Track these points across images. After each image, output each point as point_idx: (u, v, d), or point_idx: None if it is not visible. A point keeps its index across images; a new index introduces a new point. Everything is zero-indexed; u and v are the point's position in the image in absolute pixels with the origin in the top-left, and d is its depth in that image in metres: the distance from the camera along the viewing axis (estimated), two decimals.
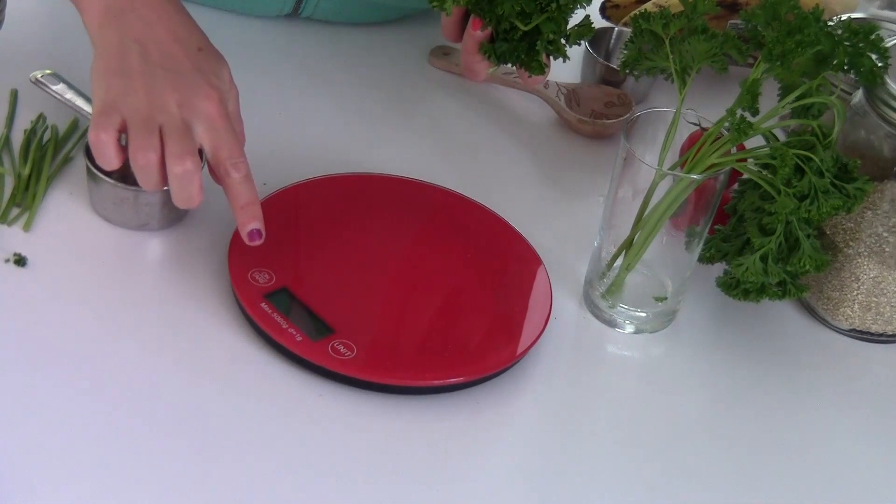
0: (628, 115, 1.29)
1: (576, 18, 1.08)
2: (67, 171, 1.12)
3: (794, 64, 1.03)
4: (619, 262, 1.10)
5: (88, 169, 1.07)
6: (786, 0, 1.04)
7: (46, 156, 1.11)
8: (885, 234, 1.10)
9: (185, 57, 1.04)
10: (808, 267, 1.04)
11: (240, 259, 1.05)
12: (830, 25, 1.03)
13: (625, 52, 1.09)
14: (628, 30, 1.20)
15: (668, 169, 1.05)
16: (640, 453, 1.02)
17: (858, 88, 1.11)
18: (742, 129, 1.01)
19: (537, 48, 1.05)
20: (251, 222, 1.02)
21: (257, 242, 1.02)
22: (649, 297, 1.11)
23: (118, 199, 1.07)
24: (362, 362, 1.00)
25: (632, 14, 1.13)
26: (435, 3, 1.05)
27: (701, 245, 1.09)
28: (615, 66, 1.32)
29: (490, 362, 1.03)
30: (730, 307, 1.14)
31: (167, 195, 1.07)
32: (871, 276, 1.12)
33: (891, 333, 1.16)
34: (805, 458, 1.05)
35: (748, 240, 1.05)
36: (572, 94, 1.32)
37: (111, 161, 1.02)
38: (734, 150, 1.05)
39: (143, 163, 1.01)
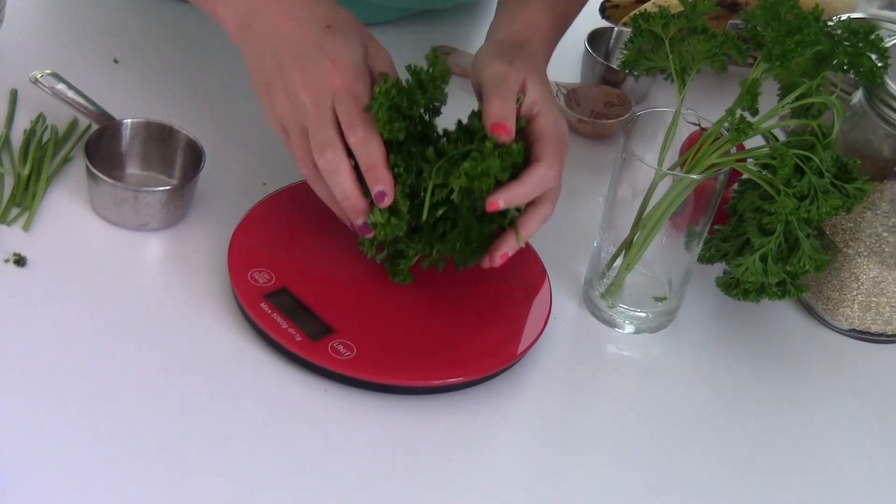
0: (628, 115, 1.29)
1: None
2: (67, 171, 1.12)
3: (794, 64, 1.03)
4: (618, 262, 1.10)
5: (88, 169, 1.07)
6: (786, 0, 1.04)
7: (46, 156, 1.11)
8: (884, 234, 1.10)
9: (308, 39, 1.02)
10: (807, 267, 1.03)
11: (240, 259, 1.05)
12: (830, 25, 1.03)
13: (625, 52, 1.09)
14: (628, 30, 1.20)
15: (668, 169, 1.05)
16: (639, 453, 1.02)
17: (858, 88, 1.11)
18: (742, 129, 1.01)
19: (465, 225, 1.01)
20: (373, 185, 0.99)
21: (383, 204, 1.00)
22: (649, 297, 1.11)
23: (118, 199, 1.07)
24: (362, 362, 1.00)
25: (631, 14, 1.13)
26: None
27: (701, 245, 1.09)
28: (615, 66, 1.32)
29: (490, 362, 1.03)
30: (730, 307, 1.14)
31: (166, 195, 1.08)
32: (871, 276, 1.12)
33: (890, 333, 1.16)
34: (805, 457, 1.05)
35: (748, 240, 1.05)
36: (572, 94, 1.32)
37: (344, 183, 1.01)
38: (734, 150, 1.05)
39: (308, 174, 1.02)
